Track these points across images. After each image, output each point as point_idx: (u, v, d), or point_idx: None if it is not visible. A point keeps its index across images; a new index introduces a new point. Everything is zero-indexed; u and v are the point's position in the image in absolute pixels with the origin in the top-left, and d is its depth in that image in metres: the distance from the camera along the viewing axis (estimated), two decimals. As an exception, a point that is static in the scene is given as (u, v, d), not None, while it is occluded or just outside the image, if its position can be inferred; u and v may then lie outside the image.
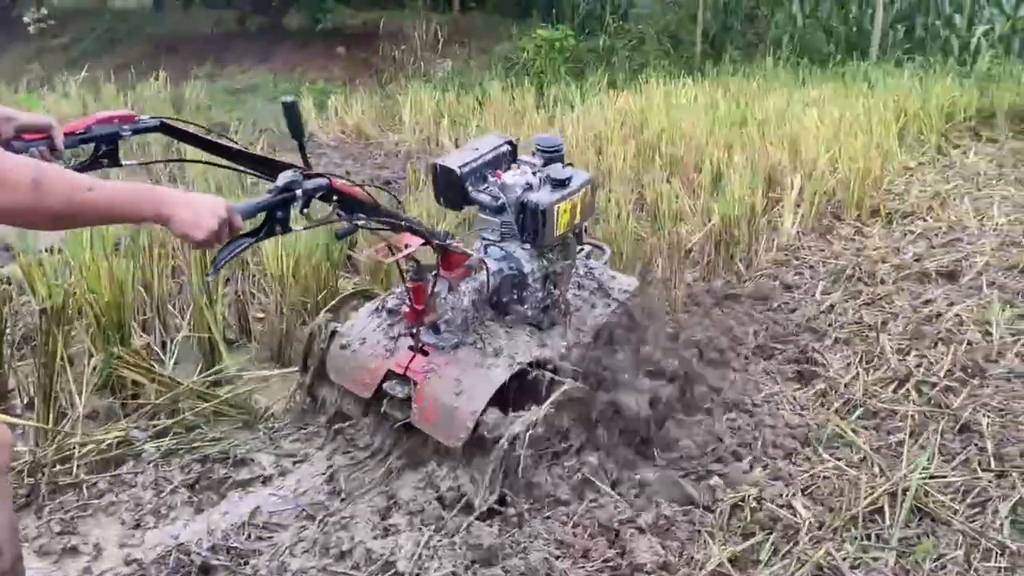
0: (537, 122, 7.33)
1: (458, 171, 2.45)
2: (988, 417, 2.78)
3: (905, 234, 4.88)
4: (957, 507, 2.34)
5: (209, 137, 2.00)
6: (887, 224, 5.11)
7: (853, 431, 2.72)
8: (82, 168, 1.82)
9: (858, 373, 3.12)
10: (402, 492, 2.43)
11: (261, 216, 1.72)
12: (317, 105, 9.03)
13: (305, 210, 1.81)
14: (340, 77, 10.82)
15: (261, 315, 3.63)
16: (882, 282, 4.11)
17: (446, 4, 14.03)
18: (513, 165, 2.61)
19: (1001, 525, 2.28)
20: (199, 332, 3.29)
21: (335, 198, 1.93)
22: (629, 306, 2.85)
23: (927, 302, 3.81)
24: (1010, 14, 9.06)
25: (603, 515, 2.29)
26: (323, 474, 2.59)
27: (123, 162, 1.93)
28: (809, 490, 2.41)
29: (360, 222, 2.01)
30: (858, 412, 2.85)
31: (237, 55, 11.59)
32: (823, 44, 10.86)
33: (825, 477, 2.48)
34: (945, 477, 2.48)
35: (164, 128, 1.94)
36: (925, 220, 5.17)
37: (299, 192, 1.76)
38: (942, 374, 3.10)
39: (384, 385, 2.43)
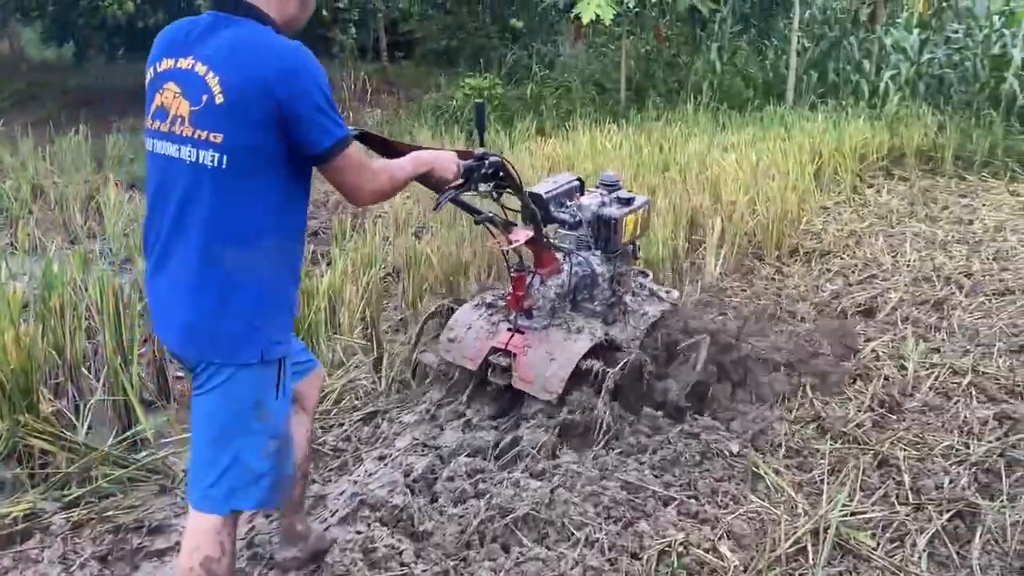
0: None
1: (544, 196, 2.96)
2: (905, 451, 2.86)
3: (823, 272, 5.04)
4: (877, 542, 2.38)
5: (398, 140, 2.35)
6: (806, 263, 5.27)
7: (776, 471, 2.76)
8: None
9: (780, 413, 3.17)
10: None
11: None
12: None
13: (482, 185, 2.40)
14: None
15: (180, 374, 3.52)
16: (802, 320, 4.22)
17: (374, 54, 14.12)
18: (586, 193, 3.29)
19: (919, 558, 2.32)
20: (114, 395, 3.17)
21: (500, 174, 2.44)
22: (675, 308, 3.50)
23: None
24: (914, 59, 9.55)
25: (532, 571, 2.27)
26: (243, 539, 2.50)
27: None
28: (734, 532, 2.42)
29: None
30: (781, 451, 2.89)
31: (161, 107, 11.39)
32: (741, 90, 11.26)
33: (750, 518, 2.50)
34: (865, 513, 2.52)
35: (361, 137, 2.18)
36: (842, 258, 5.35)
37: (487, 162, 2.34)
38: (861, 410, 3.19)
39: (490, 358, 3.02)
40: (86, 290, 3.66)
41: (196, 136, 1.68)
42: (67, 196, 6.42)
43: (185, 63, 1.71)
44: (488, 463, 2.86)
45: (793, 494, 2.63)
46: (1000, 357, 3.66)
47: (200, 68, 1.68)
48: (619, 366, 2.90)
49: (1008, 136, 8.29)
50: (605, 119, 9.76)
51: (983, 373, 3.49)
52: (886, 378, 3.45)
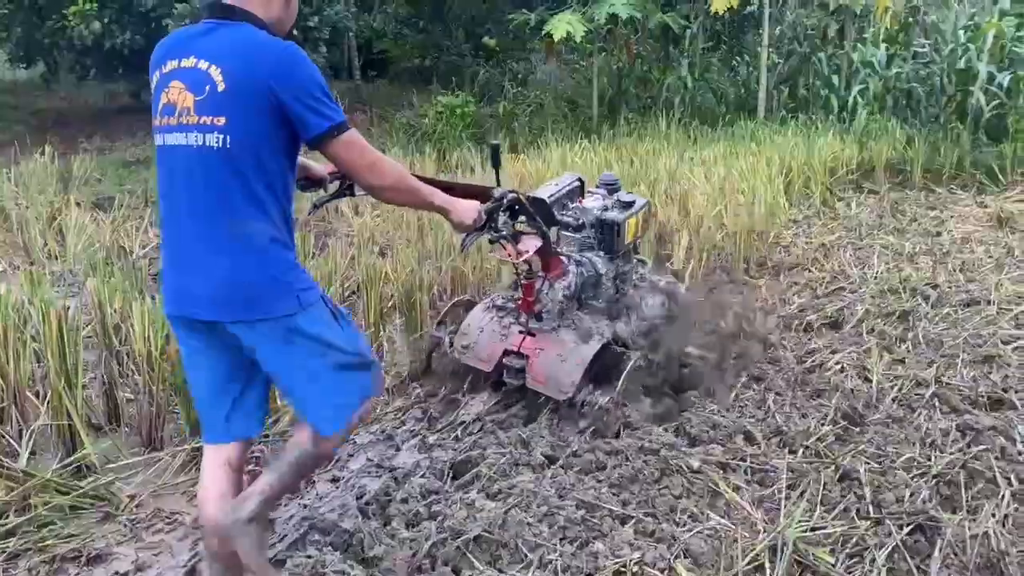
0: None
1: (548, 200, 3.07)
2: (867, 464, 2.82)
3: (791, 285, 5.01)
4: (836, 558, 2.33)
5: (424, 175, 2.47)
6: (774, 276, 5.25)
7: (735, 487, 2.70)
8: (334, 195, 2.49)
9: (743, 426, 3.12)
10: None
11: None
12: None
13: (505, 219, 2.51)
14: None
15: (132, 396, 3.43)
16: (769, 333, 4.18)
17: (348, 73, 14.09)
18: (587, 194, 3.42)
19: (878, 574, 2.27)
20: (59, 419, 3.07)
21: (516, 207, 2.56)
22: (673, 292, 3.65)
23: (811, 352, 3.89)
24: (882, 74, 9.64)
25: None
26: (184, 567, 2.41)
27: (356, 193, 2.44)
28: (691, 551, 2.36)
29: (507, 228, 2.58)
30: (742, 467, 2.84)
31: (129, 128, 11.29)
32: (713, 105, 11.32)
33: (708, 536, 2.44)
34: (825, 528, 2.47)
35: None
36: (810, 271, 5.34)
37: (504, 201, 2.46)
38: (824, 423, 3.15)
39: (503, 360, 3.15)
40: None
41: (201, 122, 1.86)
42: (29, 218, 6.31)
43: (188, 62, 1.89)
44: (444, 483, 2.80)
45: (752, 510, 2.58)
46: (964, 368, 3.64)
47: (203, 64, 1.87)
48: (630, 366, 3.08)
49: (975, 149, 8.38)
50: (577, 135, 9.76)
51: (946, 384, 3.46)
52: (850, 391, 3.41)
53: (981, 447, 2.86)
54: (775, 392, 3.41)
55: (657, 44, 12.55)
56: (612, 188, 3.49)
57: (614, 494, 2.64)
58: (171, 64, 1.93)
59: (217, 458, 2.09)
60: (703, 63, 12.04)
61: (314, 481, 2.89)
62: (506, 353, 3.16)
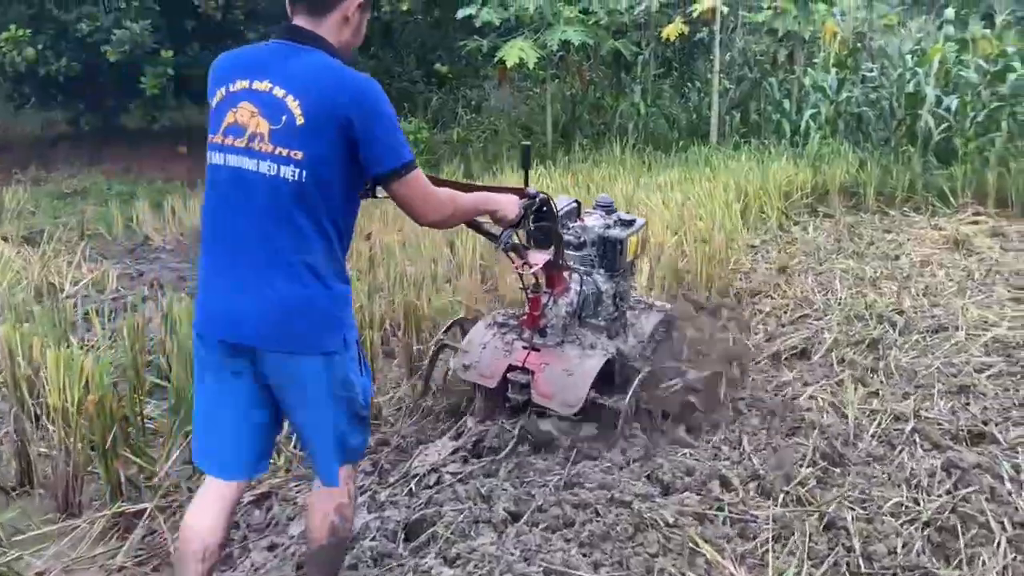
0: (390, 212, 7.09)
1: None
2: (853, 510, 2.63)
3: (755, 313, 4.86)
4: (831, 624, 2.13)
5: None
6: (737, 303, 5.10)
7: (715, 544, 2.48)
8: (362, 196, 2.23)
9: (718, 470, 2.91)
10: None
11: None
12: (154, 206, 8.47)
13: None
14: (181, 177, 10.24)
15: (47, 454, 3.09)
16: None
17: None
18: (584, 214, 3.42)
19: (878, 640, 2.08)
20: (-39, 484, 2.74)
21: (544, 209, 2.59)
22: (669, 316, 3.70)
23: (781, 386, 3.72)
24: (833, 98, 9.68)
25: None
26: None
27: (378, 195, 2.24)
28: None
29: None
30: (720, 517, 2.63)
31: (67, 157, 10.83)
32: (666, 131, 11.30)
33: (690, 601, 2.22)
34: (815, 587, 2.27)
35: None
36: (772, 297, 5.21)
37: (537, 200, 2.54)
38: (803, 464, 2.96)
39: (508, 375, 3.09)
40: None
41: (277, 152, 1.84)
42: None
43: (262, 85, 1.86)
44: (397, 546, 2.53)
45: (735, 568, 2.36)
46: (941, 399, 3.50)
47: (278, 91, 1.84)
48: (640, 376, 3.11)
49: (926, 171, 8.41)
50: (532, 161, 9.60)
51: (925, 418, 3.31)
52: (827, 428, 3.24)
53: (970, 488, 2.69)
54: (750, 431, 3.22)
55: (609, 71, 12.53)
56: (608, 209, 3.52)
57: (584, 555, 2.39)
58: (241, 83, 1.89)
59: (219, 491, 2.04)
60: (655, 90, 12.03)
61: (249, 548, 2.60)
62: (510, 369, 3.12)
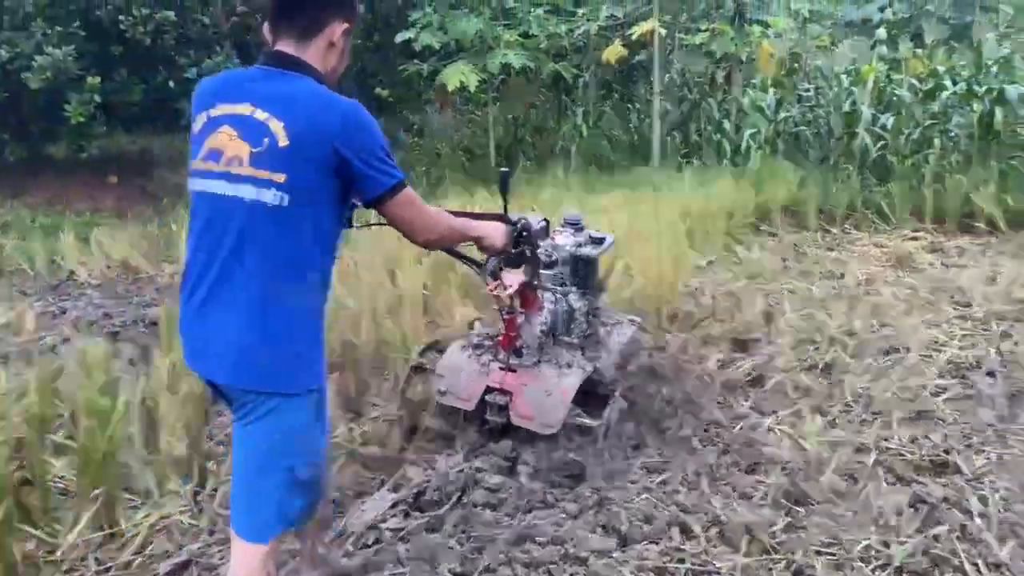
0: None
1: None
2: (821, 555, 2.48)
3: (706, 339, 4.74)
4: None
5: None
6: (687, 329, 4.97)
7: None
8: None
9: (678, 516, 2.74)
10: None
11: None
12: (80, 239, 8.03)
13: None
14: (111, 208, 9.81)
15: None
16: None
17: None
18: (555, 232, 3.42)
19: None
20: None
21: (524, 234, 2.54)
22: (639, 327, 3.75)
23: (738, 417, 3.58)
24: (771, 118, 9.76)
25: None
26: None
27: (354, 225, 2.23)
28: None
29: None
30: (682, 571, 2.45)
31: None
32: (609, 153, 11.26)
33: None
34: (788, 648, 2.10)
35: None
36: (723, 322, 5.10)
37: (519, 226, 2.49)
38: (765, 505, 2.81)
39: (486, 397, 3.06)
40: None
41: (257, 175, 1.76)
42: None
43: (243, 109, 1.79)
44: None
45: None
46: (900, 427, 3.40)
47: (260, 114, 1.77)
48: (617, 394, 3.16)
49: (865, 189, 8.49)
50: (476, 185, 9.46)
51: (886, 449, 3.20)
52: (787, 462, 3.09)
53: (940, 527, 2.57)
54: (708, 469, 3.05)
55: (551, 94, 12.50)
56: (578, 227, 3.51)
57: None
58: (222, 108, 1.83)
59: (237, 553, 1.92)
60: (597, 112, 12.02)
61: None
62: (488, 390, 3.08)
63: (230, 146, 1.79)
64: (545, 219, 3.25)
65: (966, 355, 4.21)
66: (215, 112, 1.84)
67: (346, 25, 1.92)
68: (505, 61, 10.06)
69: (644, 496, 2.83)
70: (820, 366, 4.17)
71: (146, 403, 3.38)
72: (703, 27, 10.89)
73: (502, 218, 2.45)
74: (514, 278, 2.82)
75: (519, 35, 10.40)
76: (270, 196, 1.76)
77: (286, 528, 1.93)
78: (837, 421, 3.52)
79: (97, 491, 2.77)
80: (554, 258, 3.33)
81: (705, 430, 3.40)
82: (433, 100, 12.59)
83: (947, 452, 3.15)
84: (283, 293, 1.79)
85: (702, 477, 2.99)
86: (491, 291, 2.68)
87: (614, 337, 3.52)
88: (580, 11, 10.90)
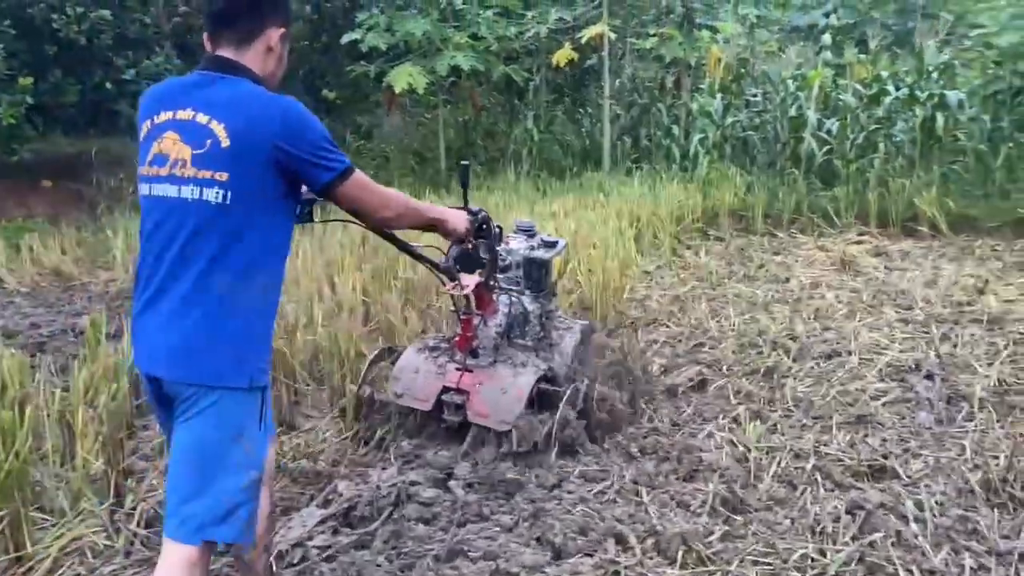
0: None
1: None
2: (758, 565, 2.43)
3: (651, 344, 4.70)
4: None
5: None
6: (633, 333, 4.93)
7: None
8: (296, 221, 2.11)
9: (614, 527, 2.67)
10: None
11: None
12: (10, 246, 7.72)
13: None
14: (44, 213, 9.47)
15: None
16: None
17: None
18: (508, 238, 3.46)
19: None
20: None
21: (484, 226, 2.59)
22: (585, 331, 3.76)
23: (678, 424, 3.54)
24: (719, 123, 9.82)
25: None
26: None
27: (315, 219, 2.34)
28: None
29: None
30: (617, 583, 2.38)
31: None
32: (560, 157, 11.23)
33: None
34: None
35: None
36: (667, 326, 5.08)
37: (479, 217, 2.52)
38: (703, 513, 2.75)
39: (443, 397, 3.11)
40: None
41: (200, 176, 1.80)
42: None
43: (184, 114, 1.84)
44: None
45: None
46: (839, 432, 3.39)
47: (201, 117, 1.82)
48: (568, 392, 3.12)
49: (811, 193, 8.58)
50: (425, 189, 9.35)
51: (825, 455, 3.18)
52: (726, 470, 3.05)
53: (876, 534, 2.53)
54: (646, 478, 2.99)
55: (502, 97, 12.43)
56: (529, 233, 3.58)
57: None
58: (166, 114, 1.87)
59: (166, 555, 1.83)
60: (548, 116, 11.99)
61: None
62: (445, 390, 3.12)
63: (173, 150, 1.84)
64: (498, 225, 3.27)
65: (906, 358, 4.23)
66: (159, 119, 1.89)
67: (282, 30, 1.97)
68: (454, 63, 9.97)
69: (580, 507, 2.75)
70: (762, 370, 4.15)
71: (64, 417, 3.22)
72: (652, 32, 10.93)
73: (463, 209, 2.49)
74: (471, 279, 2.81)
75: (469, 37, 10.31)
76: (212, 195, 1.80)
77: (221, 535, 1.84)
78: (778, 426, 3.50)
79: (3, 511, 2.60)
80: (508, 262, 3.42)
81: (645, 437, 3.34)
82: (381, 102, 12.43)
83: (885, 457, 3.13)
84: (230, 291, 1.82)
85: (640, 486, 2.92)
86: (448, 291, 2.69)
87: (567, 340, 3.56)
88: (529, 14, 10.84)
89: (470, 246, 2.53)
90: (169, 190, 1.83)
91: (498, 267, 3.07)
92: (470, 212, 2.49)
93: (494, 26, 10.51)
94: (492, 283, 3.04)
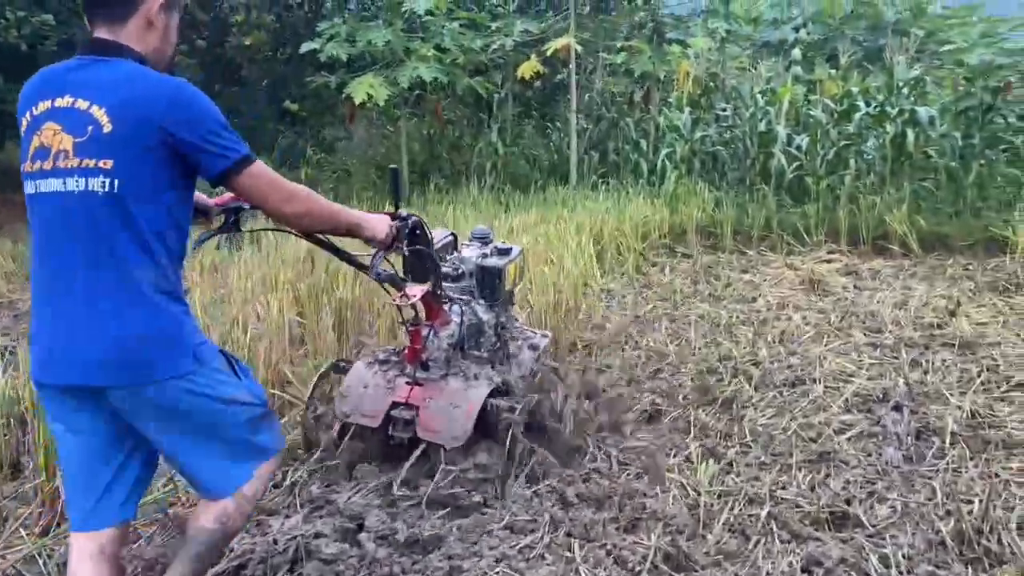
0: (207, 263, 6.30)
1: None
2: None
3: (603, 370, 4.37)
4: None
5: None
6: (587, 357, 4.61)
7: None
8: (220, 229, 2.32)
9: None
10: None
11: None
12: (-60, 260, 7.28)
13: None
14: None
15: None
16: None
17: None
18: (461, 246, 3.43)
19: None
20: None
21: (418, 232, 2.56)
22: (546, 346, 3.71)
23: (625, 463, 3.21)
24: (688, 138, 9.57)
25: None
26: None
27: (242, 228, 2.36)
28: None
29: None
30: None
31: None
32: (526, 171, 10.95)
33: None
34: None
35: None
36: (625, 350, 4.77)
37: (409, 222, 2.46)
38: (642, 570, 2.42)
39: (392, 412, 2.94)
40: None
41: (83, 165, 1.71)
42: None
43: (63, 102, 1.74)
44: None
45: None
46: (799, 471, 3.08)
47: (81, 103, 1.72)
48: (520, 408, 2.95)
49: (780, 210, 8.36)
50: (385, 202, 9.01)
51: (782, 499, 2.86)
52: (672, 518, 2.72)
53: (835, 598, 2.22)
54: (581, 529, 2.65)
55: (468, 110, 12.13)
56: (485, 241, 3.51)
57: None
58: (43, 105, 1.77)
59: (87, 548, 1.86)
60: (516, 130, 11.70)
61: None
62: (394, 406, 2.96)
63: (55, 141, 1.74)
64: (452, 233, 3.32)
65: (874, 386, 3.94)
66: (38, 110, 1.78)
67: (162, 1, 1.84)
68: (416, 75, 9.67)
69: (502, 566, 2.41)
70: (721, 400, 3.85)
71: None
72: (619, 46, 10.71)
73: (392, 215, 2.37)
74: (417, 289, 2.73)
75: (435, 48, 10.01)
76: (98, 184, 1.71)
77: (262, 457, 2.00)
78: (733, 464, 3.18)
79: None
80: (460, 271, 3.31)
81: (585, 480, 3.01)
82: (343, 114, 12.10)
83: (848, 502, 2.82)
84: (132, 281, 1.74)
85: (573, 539, 2.59)
86: (394, 302, 2.61)
87: (526, 352, 3.47)
88: (494, 25, 10.58)
89: (406, 252, 2.49)
90: (53, 184, 1.74)
91: (440, 269, 2.91)
92: (398, 217, 2.38)
93: (459, 38, 10.23)
94: (438, 291, 2.92)
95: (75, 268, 1.74)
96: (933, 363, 4.29)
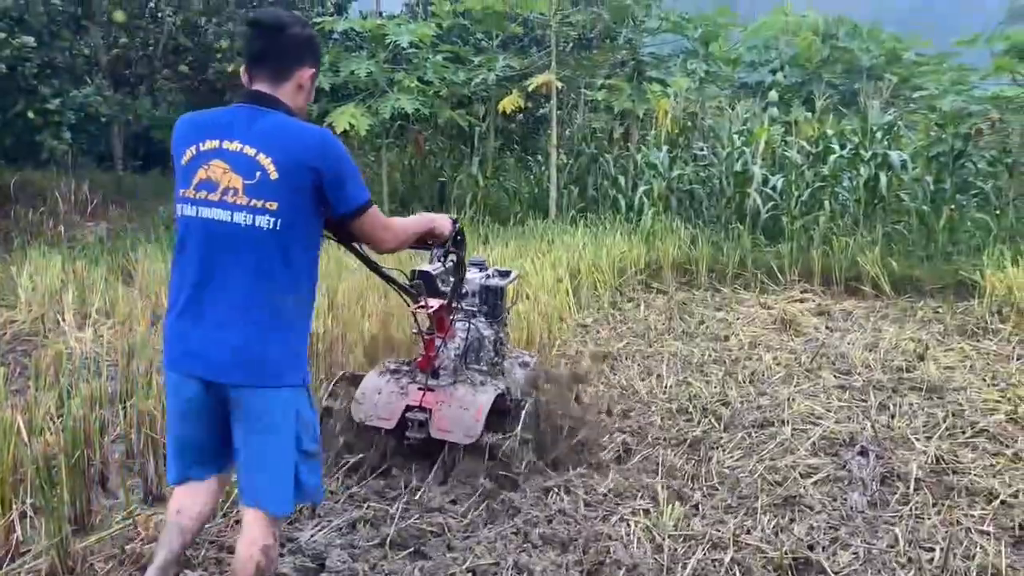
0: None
1: (433, 274, 3.14)
2: None
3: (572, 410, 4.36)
4: None
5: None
6: (555, 398, 4.59)
7: None
8: None
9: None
10: None
11: None
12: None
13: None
14: (-42, 242, 8.93)
15: None
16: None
17: (109, 161, 12.63)
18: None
19: None
20: None
21: (459, 237, 2.81)
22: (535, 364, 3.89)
23: (593, 504, 3.19)
24: (665, 175, 9.68)
25: None
26: None
27: None
28: None
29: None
30: None
31: None
32: (507, 204, 11.01)
33: None
34: None
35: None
36: (596, 387, 4.77)
37: (456, 225, 2.75)
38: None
39: (407, 415, 3.20)
40: None
41: (251, 204, 2.03)
42: None
43: (232, 145, 2.05)
44: None
45: None
46: (764, 515, 3.08)
47: (249, 150, 2.03)
48: (526, 408, 3.32)
49: (755, 249, 8.45)
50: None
51: (746, 545, 2.85)
52: (635, 565, 2.70)
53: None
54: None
55: (449, 141, 12.21)
56: (481, 267, 3.77)
57: None
58: (211, 143, 2.06)
59: (196, 488, 2.24)
60: (497, 162, 11.78)
61: None
62: (408, 409, 3.22)
63: (224, 178, 2.03)
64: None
65: (841, 429, 3.97)
66: (204, 147, 2.06)
67: (313, 70, 2.19)
68: (398, 106, 9.73)
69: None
70: (689, 440, 3.86)
71: None
72: (600, 83, 10.85)
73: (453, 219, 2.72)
74: (434, 300, 3.05)
75: (418, 80, 10.09)
76: (265, 221, 2.02)
77: (309, 500, 2.27)
78: (699, 507, 3.17)
79: None
80: (465, 290, 3.53)
81: (550, 521, 2.99)
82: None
83: (811, 548, 2.82)
84: (281, 303, 2.05)
85: (534, 583, 2.57)
86: (414, 310, 2.93)
87: (517, 370, 3.68)
88: (476, 60, 10.69)
89: (453, 255, 2.91)
90: (221, 214, 2.03)
91: (462, 282, 3.21)
92: (452, 219, 2.71)
93: (442, 71, 10.33)
94: (456, 302, 3.25)
95: (233, 286, 2.04)
96: (900, 407, 4.33)
